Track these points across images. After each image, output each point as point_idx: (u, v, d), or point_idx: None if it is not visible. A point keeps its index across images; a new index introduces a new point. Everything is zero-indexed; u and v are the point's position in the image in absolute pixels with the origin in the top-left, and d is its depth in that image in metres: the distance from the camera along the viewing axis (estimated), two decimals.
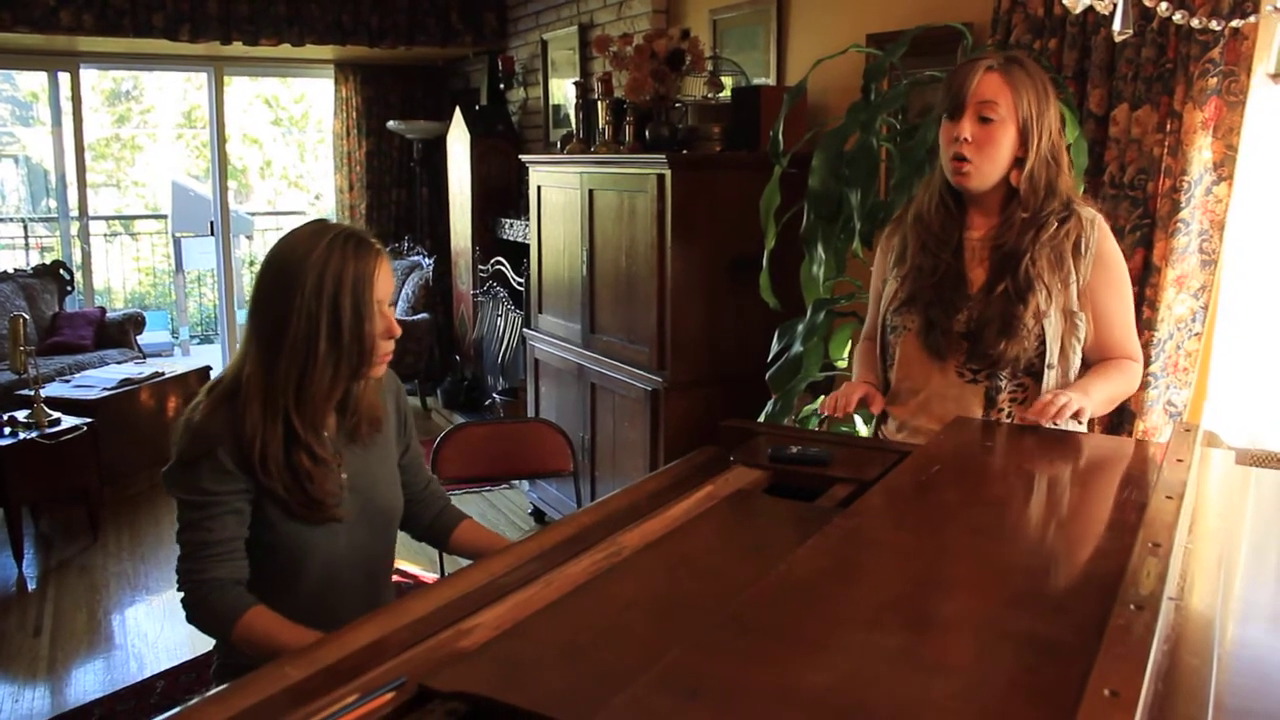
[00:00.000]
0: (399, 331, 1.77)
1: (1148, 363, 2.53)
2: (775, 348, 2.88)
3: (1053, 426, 1.85)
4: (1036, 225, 1.95)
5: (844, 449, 2.01)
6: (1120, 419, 2.62)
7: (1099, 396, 1.93)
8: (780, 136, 2.75)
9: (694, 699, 1.01)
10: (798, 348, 2.69)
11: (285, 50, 6.31)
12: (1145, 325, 2.54)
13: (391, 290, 1.77)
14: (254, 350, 1.72)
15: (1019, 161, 1.95)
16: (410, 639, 1.34)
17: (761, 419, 2.79)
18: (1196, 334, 2.52)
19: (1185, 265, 2.49)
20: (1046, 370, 1.96)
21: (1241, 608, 1.37)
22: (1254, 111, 2.42)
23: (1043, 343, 1.95)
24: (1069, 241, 1.95)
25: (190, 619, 1.75)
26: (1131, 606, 1.07)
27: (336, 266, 1.68)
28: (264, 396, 1.70)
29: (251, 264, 9.66)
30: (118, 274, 9.89)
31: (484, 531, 2.06)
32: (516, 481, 5.22)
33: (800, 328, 2.73)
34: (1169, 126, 2.50)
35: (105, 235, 9.82)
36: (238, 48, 6.18)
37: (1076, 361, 1.99)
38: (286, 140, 12.92)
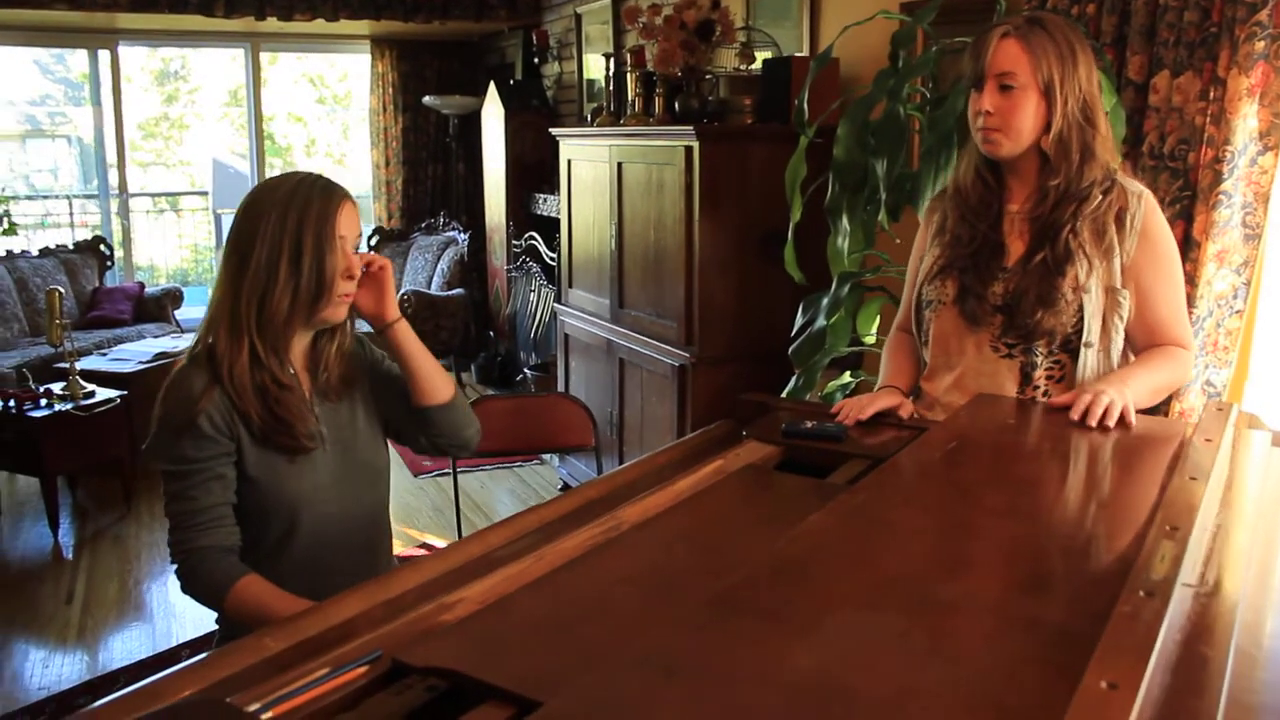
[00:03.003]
0: (359, 272, 1.80)
1: None
2: (799, 322, 2.81)
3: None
4: (1079, 198, 1.86)
5: (860, 425, 1.94)
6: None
7: (1141, 388, 1.79)
8: (805, 106, 2.67)
9: (670, 678, 0.96)
10: (821, 322, 2.62)
11: (320, 26, 6.31)
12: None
13: (356, 233, 1.81)
14: (223, 281, 1.77)
15: (1047, 125, 1.87)
16: (394, 612, 1.30)
17: (784, 395, 2.73)
18: (1238, 311, 2.41)
19: (1227, 239, 2.38)
20: (1084, 349, 1.87)
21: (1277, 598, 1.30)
22: None
23: (1081, 318, 1.86)
24: (1111, 213, 1.86)
25: (185, 589, 1.76)
26: (1141, 593, 1.00)
27: (301, 201, 1.74)
28: (230, 319, 1.74)
29: None
30: (162, 250, 9.98)
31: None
32: (546, 456, 5.20)
33: (824, 301, 2.66)
34: (1212, 94, 2.39)
35: (150, 212, 9.92)
36: (274, 23, 6.18)
37: (1119, 340, 1.90)
38: (331, 119, 12.96)
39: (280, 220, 1.73)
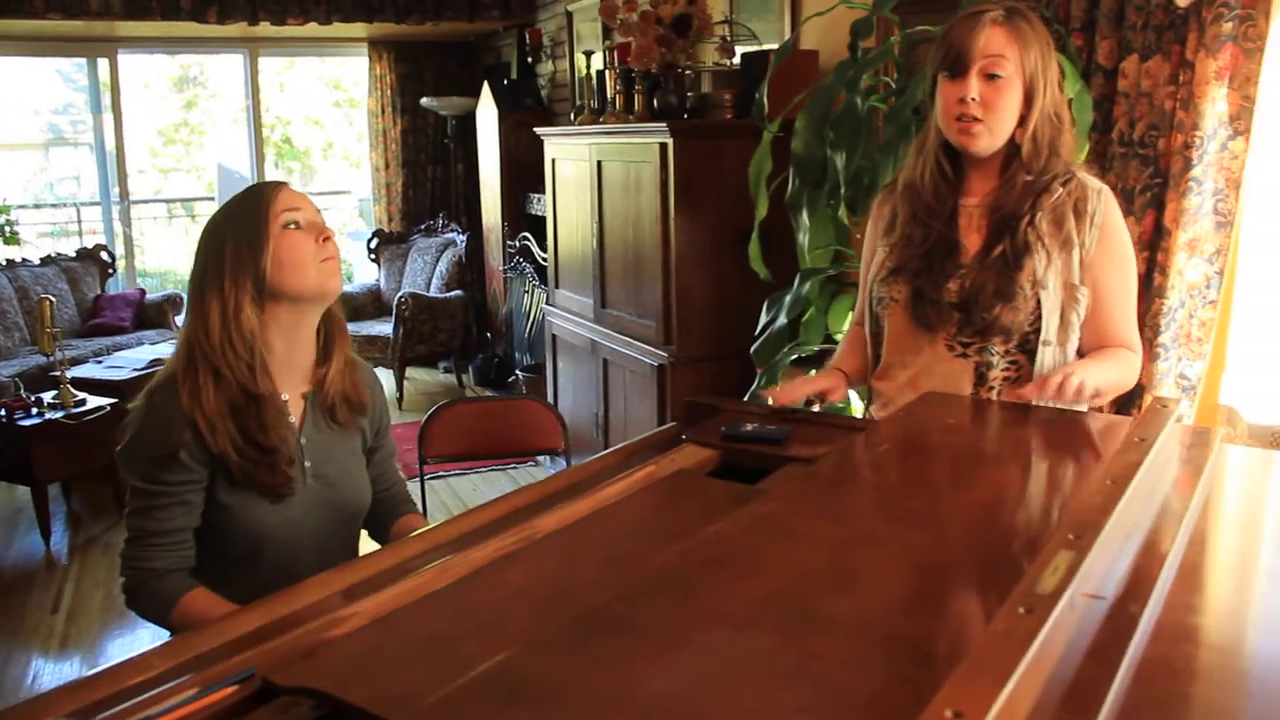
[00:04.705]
0: (330, 232, 1.75)
1: (1158, 332, 2.35)
2: (763, 320, 2.75)
3: (1057, 406, 1.71)
4: (1038, 190, 1.81)
5: (807, 427, 1.88)
6: (1131, 394, 2.44)
7: (1101, 379, 1.75)
8: (765, 100, 2.61)
9: (512, 703, 0.92)
10: (782, 320, 2.56)
11: (315, 29, 6.29)
12: (1155, 293, 2.37)
13: (302, 205, 1.74)
14: (189, 317, 1.73)
15: (1021, 119, 1.80)
16: (285, 628, 1.26)
17: (748, 396, 2.67)
18: (1211, 301, 2.33)
19: (1198, 227, 2.31)
20: (1042, 347, 1.81)
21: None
22: (1274, 59, 2.22)
23: (1039, 316, 1.80)
24: (1070, 204, 1.80)
25: (129, 604, 1.73)
26: (1021, 609, 0.93)
27: (235, 210, 1.72)
28: (192, 348, 1.68)
29: None
30: (176, 257, 9.99)
31: (416, 524, 1.98)
32: (541, 458, 5.16)
33: (787, 299, 2.59)
34: (1181, 78, 2.32)
35: (162, 219, 9.96)
36: (268, 28, 6.17)
37: (1075, 338, 1.84)
38: (350, 122, 12.98)
39: (221, 233, 1.70)
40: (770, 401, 1.89)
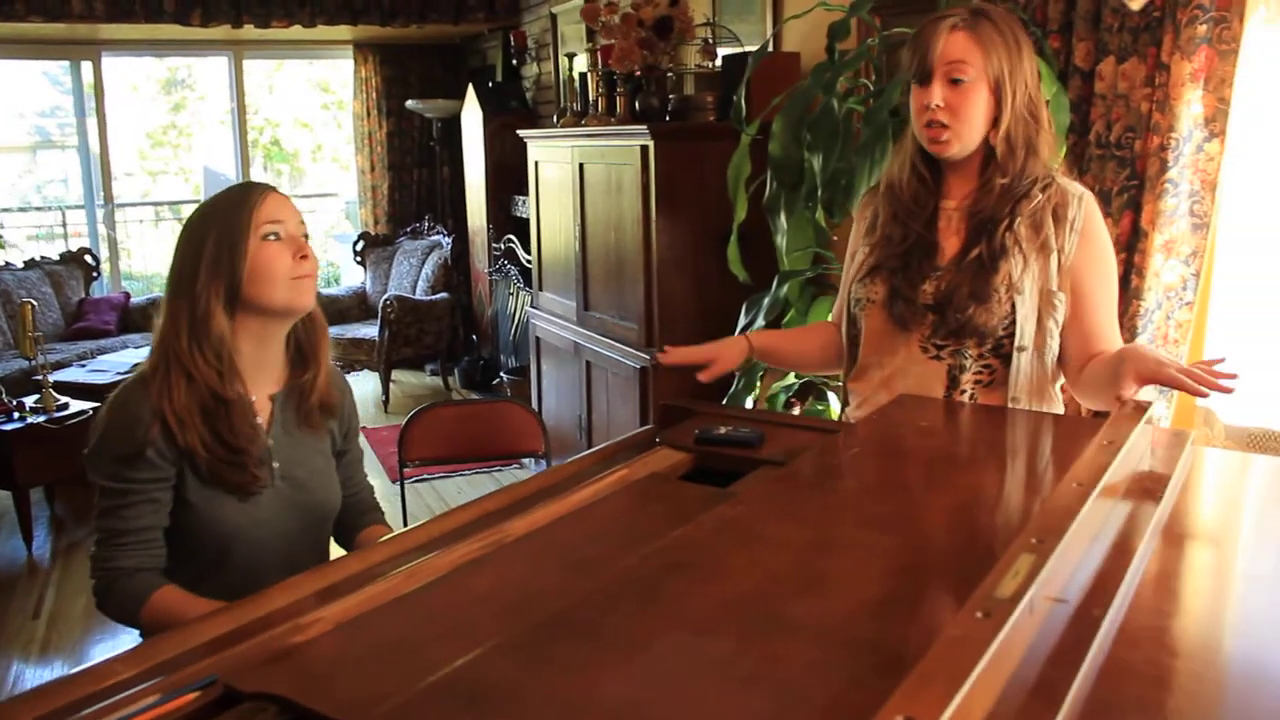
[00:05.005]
0: (309, 250, 1.73)
1: (1135, 334, 2.36)
2: (742, 322, 2.75)
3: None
4: (1017, 195, 1.80)
5: (781, 430, 1.88)
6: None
7: None
8: (743, 102, 2.61)
9: (472, 707, 0.92)
10: (761, 322, 2.56)
11: (300, 32, 6.27)
12: (1133, 295, 2.37)
13: (288, 215, 1.73)
14: (163, 314, 1.71)
15: (994, 121, 1.80)
16: (250, 633, 1.26)
17: (726, 398, 2.67)
18: (1188, 303, 2.34)
19: (1174, 229, 2.31)
20: (1017, 353, 1.80)
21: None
22: (1248, 60, 2.23)
23: (1013, 321, 1.79)
24: (1048, 210, 1.80)
25: (100, 607, 1.72)
26: (979, 614, 0.93)
27: (216, 213, 1.70)
28: (172, 352, 1.67)
29: None
30: (162, 260, 9.97)
31: (381, 535, 1.98)
32: (526, 460, 5.16)
33: (765, 302, 2.60)
34: (1157, 80, 2.32)
35: (151, 221, 9.92)
36: (256, 31, 6.15)
37: (1054, 344, 1.83)
38: (340, 124, 12.94)
39: (201, 234, 1.69)
40: (661, 361, 2.03)
